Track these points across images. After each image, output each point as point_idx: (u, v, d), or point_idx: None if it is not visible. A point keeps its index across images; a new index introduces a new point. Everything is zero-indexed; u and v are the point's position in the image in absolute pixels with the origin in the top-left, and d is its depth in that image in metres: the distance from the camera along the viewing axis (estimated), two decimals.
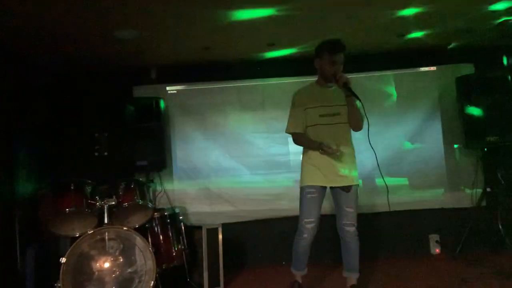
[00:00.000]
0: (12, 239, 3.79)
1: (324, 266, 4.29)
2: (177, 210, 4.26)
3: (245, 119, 4.94)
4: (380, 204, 4.60)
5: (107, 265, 3.37)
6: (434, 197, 4.81)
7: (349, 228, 3.19)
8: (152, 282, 3.38)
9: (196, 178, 4.86)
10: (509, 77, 4.52)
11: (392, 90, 4.95)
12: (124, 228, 3.48)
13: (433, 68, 4.95)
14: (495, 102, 4.41)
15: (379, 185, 4.82)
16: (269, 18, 3.57)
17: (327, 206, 3.49)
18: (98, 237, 3.40)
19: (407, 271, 4.14)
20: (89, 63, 4.55)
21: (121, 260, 3.42)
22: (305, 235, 3.20)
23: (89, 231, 3.37)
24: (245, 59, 4.81)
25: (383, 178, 3.24)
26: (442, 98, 4.88)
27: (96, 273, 3.34)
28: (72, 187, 3.54)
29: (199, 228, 4.06)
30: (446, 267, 4.17)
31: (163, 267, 3.80)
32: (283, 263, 4.71)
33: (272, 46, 4.42)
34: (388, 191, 3.29)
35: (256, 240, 4.81)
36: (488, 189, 4.56)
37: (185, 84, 4.97)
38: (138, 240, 3.45)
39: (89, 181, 3.66)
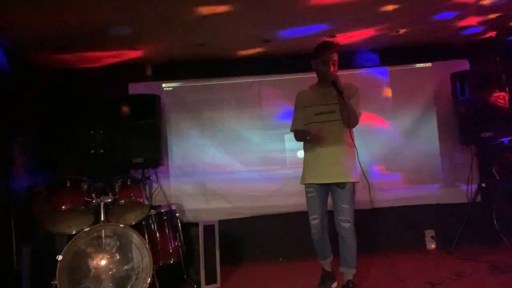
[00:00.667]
0: (8, 237, 3.78)
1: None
2: (173, 207, 4.26)
3: (241, 115, 4.94)
4: (373, 200, 4.67)
5: (103, 262, 3.37)
6: (429, 193, 4.84)
7: (344, 224, 3.23)
8: (149, 279, 3.38)
9: (192, 175, 4.87)
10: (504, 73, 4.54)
11: (387, 86, 4.96)
12: (121, 225, 3.48)
13: (428, 65, 4.97)
14: (490, 98, 4.42)
15: (374, 182, 4.87)
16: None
17: (330, 203, 3.51)
18: (95, 234, 3.39)
19: (403, 266, 4.16)
20: (84, 60, 4.53)
21: (118, 257, 3.42)
22: (313, 231, 3.36)
23: (86, 228, 3.37)
24: (241, 55, 4.80)
25: (364, 174, 3.31)
26: (438, 94, 4.90)
27: (93, 270, 3.33)
28: (68, 185, 3.52)
29: (196, 224, 4.06)
30: (442, 263, 4.19)
31: (160, 264, 3.80)
32: (280, 259, 4.75)
33: (268, 42, 4.42)
34: (370, 188, 3.37)
35: (252, 236, 4.82)
36: (483, 185, 4.58)
37: (181, 81, 4.97)
38: (135, 237, 3.45)
39: (85, 179, 3.64)
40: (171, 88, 4.95)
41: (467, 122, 4.47)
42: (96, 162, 4.55)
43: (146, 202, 3.86)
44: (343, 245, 3.29)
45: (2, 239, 3.72)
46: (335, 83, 3.09)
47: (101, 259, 3.37)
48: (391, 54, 4.92)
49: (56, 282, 3.14)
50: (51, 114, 4.65)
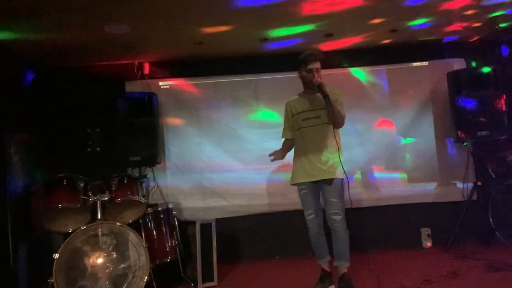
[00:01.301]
0: (5, 235, 3.78)
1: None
2: (170, 205, 4.26)
3: (239, 114, 4.94)
4: (369, 198, 4.75)
5: (100, 260, 3.38)
6: (426, 191, 4.86)
7: (335, 216, 3.37)
8: (146, 277, 3.39)
9: (189, 173, 4.86)
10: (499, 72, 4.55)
11: (384, 85, 4.98)
12: (118, 224, 3.48)
13: (425, 63, 4.98)
14: (486, 97, 4.44)
15: (371, 180, 4.89)
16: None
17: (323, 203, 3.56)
18: (91, 232, 3.40)
19: (399, 264, 4.18)
20: (81, 58, 4.51)
21: (115, 255, 3.42)
22: (310, 226, 3.53)
23: (82, 226, 3.37)
24: (238, 54, 4.79)
25: (345, 173, 3.40)
26: (434, 93, 4.92)
27: (89, 268, 3.34)
28: (65, 183, 3.52)
29: (193, 223, 4.07)
30: (438, 261, 4.21)
31: (157, 263, 3.81)
32: (277, 257, 4.76)
33: (265, 41, 4.42)
34: (348, 187, 3.42)
35: (249, 235, 4.83)
36: (479, 183, 4.60)
37: (178, 79, 4.95)
38: (132, 235, 3.46)
39: (82, 177, 3.64)
40: (168, 86, 4.93)
41: (463, 121, 4.48)
42: (93, 160, 4.54)
43: (143, 200, 3.86)
44: (336, 239, 3.42)
45: None
46: (320, 88, 3.28)
47: (97, 257, 3.38)
48: (387, 53, 4.93)
49: (52, 281, 3.15)
50: (47, 112, 4.62)
